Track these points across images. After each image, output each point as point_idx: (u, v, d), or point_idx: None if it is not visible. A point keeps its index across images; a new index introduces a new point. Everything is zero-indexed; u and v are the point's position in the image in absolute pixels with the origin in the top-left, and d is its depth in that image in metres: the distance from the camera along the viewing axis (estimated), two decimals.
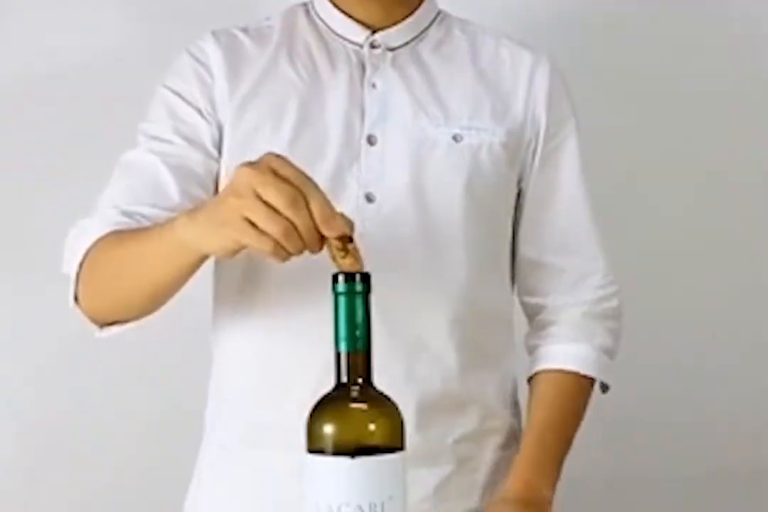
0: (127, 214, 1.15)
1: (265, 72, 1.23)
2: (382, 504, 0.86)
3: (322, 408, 0.90)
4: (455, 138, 1.21)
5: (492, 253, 1.24)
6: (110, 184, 1.21)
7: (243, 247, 0.95)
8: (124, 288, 1.11)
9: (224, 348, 1.26)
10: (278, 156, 0.92)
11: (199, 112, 1.21)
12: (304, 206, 0.89)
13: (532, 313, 1.31)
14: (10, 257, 1.72)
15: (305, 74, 1.23)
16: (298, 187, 0.89)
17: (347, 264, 0.92)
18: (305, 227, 0.89)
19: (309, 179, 0.90)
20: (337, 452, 0.86)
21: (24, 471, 1.74)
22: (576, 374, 1.23)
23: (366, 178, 1.19)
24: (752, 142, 1.82)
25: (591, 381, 1.25)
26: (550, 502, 1.17)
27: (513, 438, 1.29)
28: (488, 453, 1.24)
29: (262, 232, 0.90)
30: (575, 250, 1.28)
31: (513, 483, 1.16)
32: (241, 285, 1.22)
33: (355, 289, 0.89)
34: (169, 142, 1.20)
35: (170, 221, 1.03)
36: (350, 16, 1.24)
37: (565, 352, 1.24)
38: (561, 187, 1.27)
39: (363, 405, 0.89)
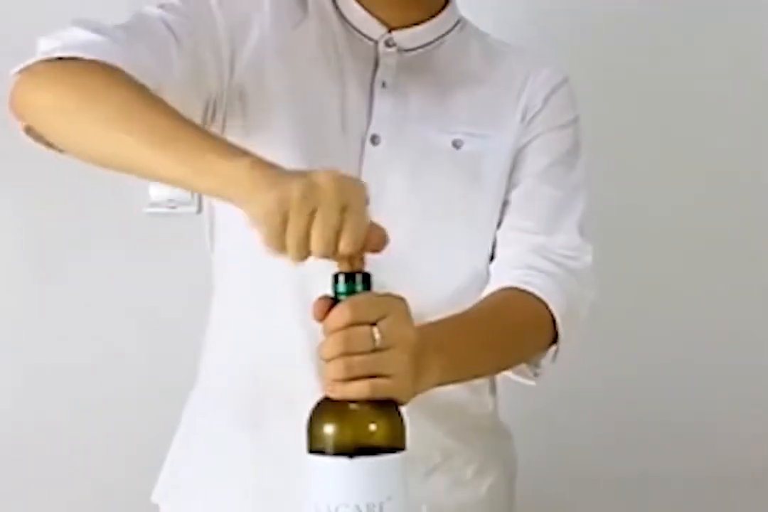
0: (133, 47, 1.06)
1: (291, 51, 1.20)
2: (381, 505, 0.86)
3: (322, 408, 0.90)
4: (455, 144, 1.21)
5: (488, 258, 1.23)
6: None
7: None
8: (109, 139, 0.97)
9: (219, 316, 1.26)
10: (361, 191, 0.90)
11: (232, 40, 1.16)
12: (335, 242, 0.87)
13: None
14: (11, 256, 1.72)
15: (325, 61, 1.21)
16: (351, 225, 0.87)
17: (348, 264, 0.91)
18: (320, 252, 0.87)
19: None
20: (337, 452, 0.86)
21: (21, 470, 1.74)
22: (528, 293, 1.15)
23: (365, 178, 1.18)
24: (753, 142, 1.82)
25: (544, 305, 1.16)
26: (433, 376, 1.00)
27: (503, 434, 1.29)
28: (476, 448, 1.25)
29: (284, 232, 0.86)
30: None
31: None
32: (240, 265, 1.22)
33: (356, 289, 0.89)
34: (186, 27, 1.13)
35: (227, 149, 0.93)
36: (369, 12, 1.22)
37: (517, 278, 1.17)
38: (520, 181, 1.23)
39: (363, 406, 0.89)
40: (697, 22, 1.79)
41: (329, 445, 0.87)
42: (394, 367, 0.90)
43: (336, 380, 0.89)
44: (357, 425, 0.88)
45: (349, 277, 0.89)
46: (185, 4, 1.16)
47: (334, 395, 0.89)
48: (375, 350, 0.89)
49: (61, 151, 1.06)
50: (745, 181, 1.81)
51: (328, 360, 0.89)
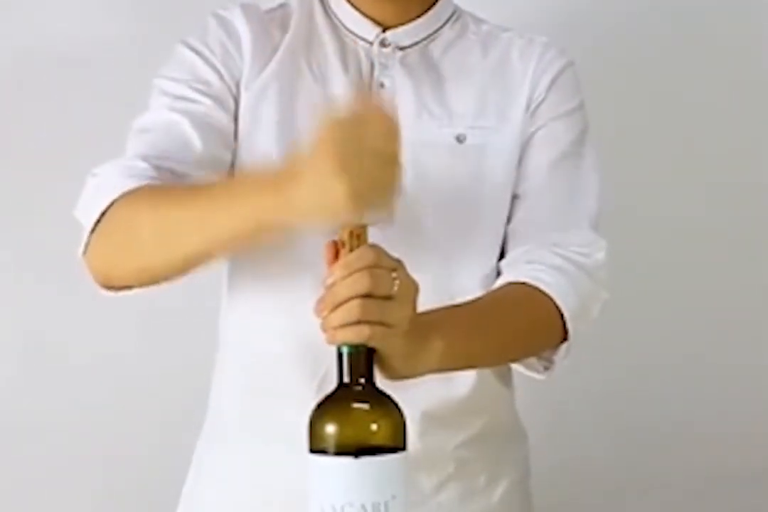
0: (158, 168, 1.11)
1: (283, 62, 1.20)
2: (386, 504, 0.86)
3: (324, 409, 0.90)
4: (458, 138, 1.20)
5: (496, 254, 1.22)
6: (131, 143, 1.16)
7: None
8: (160, 253, 1.04)
9: (228, 345, 1.26)
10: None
11: (221, 77, 1.19)
12: None
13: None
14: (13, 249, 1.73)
15: (317, 69, 1.21)
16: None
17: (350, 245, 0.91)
18: None
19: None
20: (340, 452, 0.86)
21: (19, 468, 1.74)
22: (537, 289, 1.15)
23: None
24: (757, 142, 1.82)
25: (551, 302, 1.15)
26: (434, 357, 1.00)
27: (518, 437, 1.29)
28: (489, 454, 1.24)
29: None
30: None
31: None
32: (251, 286, 1.21)
33: None
34: (192, 100, 1.17)
35: (241, 181, 1.00)
36: (362, 13, 1.22)
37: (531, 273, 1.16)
38: (528, 171, 1.22)
39: (365, 405, 0.89)
40: (699, 22, 1.79)
41: (332, 445, 0.87)
42: (399, 318, 0.92)
43: (341, 325, 0.89)
44: (360, 425, 0.88)
45: None
46: (184, 85, 1.18)
47: (334, 340, 0.90)
48: (389, 297, 0.90)
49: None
50: (747, 180, 1.81)
51: (342, 302, 0.89)
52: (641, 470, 1.81)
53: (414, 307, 0.95)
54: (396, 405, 0.91)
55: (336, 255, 0.91)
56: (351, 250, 0.90)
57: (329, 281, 0.90)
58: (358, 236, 0.90)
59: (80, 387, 1.73)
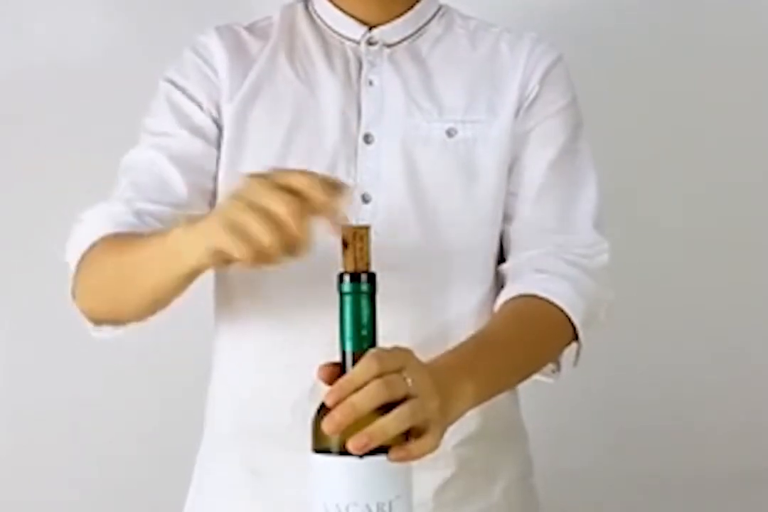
0: (136, 213, 1.13)
1: (265, 70, 1.22)
2: (390, 504, 0.86)
3: (328, 408, 0.89)
4: (449, 132, 1.20)
5: (493, 250, 1.23)
6: (116, 183, 1.20)
7: (219, 257, 0.90)
8: (120, 293, 1.08)
9: (221, 352, 1.27)
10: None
11: (200, 107, 1.21)
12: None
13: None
14: (8, 252, 1.73)
15: (303, 72, 1.22)
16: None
17: (348, 261, 0.89)
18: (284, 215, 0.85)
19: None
20: (344, 452, 0.86)
21: (20, 470, 1.74)
22: (548, 301, 1.15)
23: (362, 178, 1.19)
24: (758, 140, 1.82)
25: (560, 310, 1.15)
26: (466, 401, 0.99)
27: (518, 436, 1.29)
28: (489, 453, 1.24)
29: (240, 236, 0.86)
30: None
31: (436, 361, 0.98)
32: (240, 289, 1.22)
33: (361, 289, 0.88)
34: (172, 135, 1.20)
35: (167, 230, 0.98)
36: (347, 13, 1.23)
37: (536, 283, 1.17)
38: (526, 170, 1.23)
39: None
40: (699, 19, 1.79)
41: (336, 445, 0.87)
42: (430, 413, 0.89)
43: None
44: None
45: (354, 277, 0.89)
46: (163, 120, 1.21)
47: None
48: (408, 396, 0.88)
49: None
50: (746, 179, 1.81)
51: (360, 417, 0.86)
52: (641, 470, 1.81)
53: (437, 399, 0.91)
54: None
55: (334, 376, 0.89)
56: (354, 250, 0.89)
57: (334, 398, 0.87)
58: (360, 237, 0.89)
59: (80, 387, 1.73)
